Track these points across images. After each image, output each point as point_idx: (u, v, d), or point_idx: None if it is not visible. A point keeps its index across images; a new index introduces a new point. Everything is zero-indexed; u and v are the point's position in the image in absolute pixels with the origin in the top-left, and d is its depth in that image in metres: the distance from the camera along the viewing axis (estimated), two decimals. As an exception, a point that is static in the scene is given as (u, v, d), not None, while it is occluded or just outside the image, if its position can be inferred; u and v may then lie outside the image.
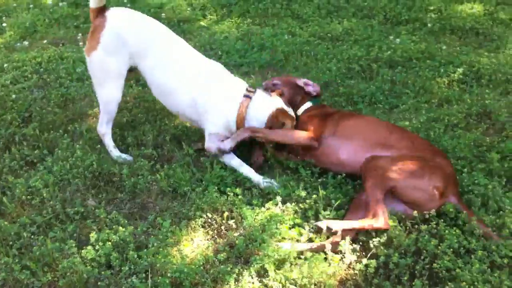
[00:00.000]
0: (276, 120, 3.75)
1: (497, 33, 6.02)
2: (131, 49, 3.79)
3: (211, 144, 3.81)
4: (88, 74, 5.10)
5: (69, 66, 5.36)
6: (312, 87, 4.13)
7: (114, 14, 3.80)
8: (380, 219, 3.07)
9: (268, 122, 3.75)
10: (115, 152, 3.93)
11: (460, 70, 5.09)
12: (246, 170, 3.72)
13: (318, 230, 3.11)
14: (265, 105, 3.79)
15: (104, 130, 3.92)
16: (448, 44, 5.85)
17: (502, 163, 3.71)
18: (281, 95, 3.99)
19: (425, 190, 3.19)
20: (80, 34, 6.34)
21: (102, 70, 3.81)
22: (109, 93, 3.87)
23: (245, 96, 3.78)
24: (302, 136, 3.71)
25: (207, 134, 3.86)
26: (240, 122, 3.77)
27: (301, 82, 4.14)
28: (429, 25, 6.23)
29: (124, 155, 3.92)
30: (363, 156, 3.49)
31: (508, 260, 2.91)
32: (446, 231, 3.04)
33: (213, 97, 3.78)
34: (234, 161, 3.77)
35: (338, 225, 3.08)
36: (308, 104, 4.07)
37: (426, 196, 3.19)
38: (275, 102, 3.83)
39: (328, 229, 3.06)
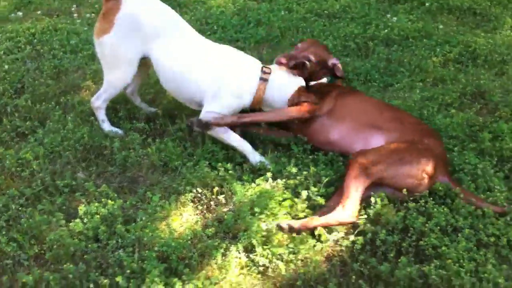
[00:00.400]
0: (297, 100, 3.69)
1: (495, 14, 5.98)
2: (145, 34, 3.66)
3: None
4: (82, 46, 5.13)
5: (63, 37, 5.32)
6: (340, 71, 3.90)
7: None
8: (347, 213, 3.01)
9: (289, 103, 3.71)
10: (106, 126, 3.91)
11: (456, 49, 5.06)
12: (239, 144, 3.66)
13: (280, 229, 3.03)
14: (284, 87, 3.71)
15: (99, 104, 3.88)
16: (445, 23, 5.80)
17: (494, 142, 3.71)
18: (303, 65, 3.77)
19: (414, 176, 3.18)
20: (74, 6, 6.30)
21: (114, 55, 3.69)
22: (117, 77, 3.79)
23: (261, 79, 3.67)
24: (293, 110, 3.67)
25: (205, 110, 3.69)
26: (257, 104, 3.71)
27: (331, 61, 3.88)
28: (427, 4, 6.18)
29: (115, 129, 3.90)
30: (353, 137, 3.48)
31: (494, 238, 2.92)
32: (434, 209, 3.05)
33: (227, 82, 3.65)
34: (233, 136, 3.67)
35: (302, 225, 3.02)
36: (323, 80, 4.02)
37: (416, 182, 3.18)
38: (294, 82, 3.73)
39: (290, 228, 3.01)
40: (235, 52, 3.84)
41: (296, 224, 3.00)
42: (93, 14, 6.06)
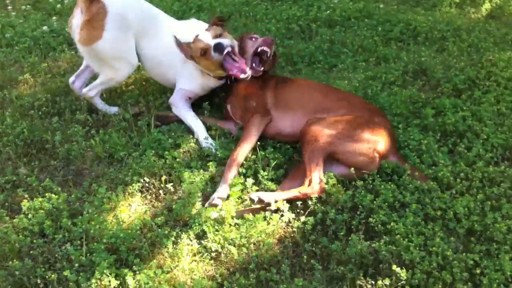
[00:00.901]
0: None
1: (434, -9, 6.09)
2: (132, 30, 3.74)
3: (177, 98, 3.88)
4: (18, 39, 4.95)
5: (-3, 31, 5.11)
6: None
7: None
8: (315, 186, 3.06)
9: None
10: (111, 109, 3.94)
11: (397, 28, 5.13)
12: (196, 125, 3.72)
13: (251, 201, 3.06)
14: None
15: (93, 94, 3.86)
16: (386, 2, 5.88)
17: (437, 118, 3.79)
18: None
19: (366, 154, 3.20)
20: (9, -1, 6.06)
21: (112, 55, 3.70)
22: (117, 73, 3.80)
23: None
24: (256, 122, 3.57)
25: (177, 88, 3.92)
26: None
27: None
28: (367, -16, 6.23)
29: (114, 108, 3.96)
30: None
31: (441, 212, 2.98)
32: (382, 186, 3.09)
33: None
34: (189, 114, 3.81)
35: (271, 197, 3.04)
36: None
37: (367, 160, 3.21)
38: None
39: (260, 200, 3.02)
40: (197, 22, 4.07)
41: (265, 197, 2.99)
42: (28, 6, 5.86)
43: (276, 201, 3.01)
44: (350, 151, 3.20)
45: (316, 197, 3.06)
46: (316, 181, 3.07)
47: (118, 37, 3.67)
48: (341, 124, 3.29)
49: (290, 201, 3.05)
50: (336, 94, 3.65)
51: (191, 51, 3.69)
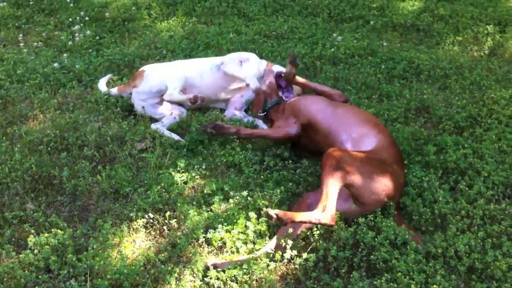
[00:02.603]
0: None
1: (437, 29, 6.19)
2: None
3: None
4: (28, 75, 5.07)
5: (9, 67, 5.23)
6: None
7: None
8: (328, 214, 3.01)
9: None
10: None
11: (400, 66, 5.21)
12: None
13: (268, 218, 3.04)
14: None
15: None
16: (390, 40, 5.98)
17: (438, 155, 3.83)
18: None
19: (378, 194, 3.20)
20: (21, 35, 6.20)
21: None
22: None
23: None
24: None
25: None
26: None
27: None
28: (371, 22, 6.36)
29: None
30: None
31: (442, 249, 3.00)
32: (383, 223, 3.11)
33: None
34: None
35: (287, 216, 3.02)
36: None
37: (378, 201, 3.20)
38: None
39: (278, 218, 3.01)
40: None
41: (283, 215, 2.98)
42: (40, 43, 5.99)
43: (292, 221, 3.00)
44: (367, 188, 3.18)
45: (323, 228, 3.09)
46: (330, 209, 3.02)
47: None
48: (367, 160, 3.28)
49: (294, 238, 3.08)
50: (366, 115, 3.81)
51: None
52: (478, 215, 3.25)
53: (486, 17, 6.38)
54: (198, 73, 4.60)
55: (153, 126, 4.27)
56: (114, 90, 4.71)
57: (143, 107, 4.47)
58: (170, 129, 4.28)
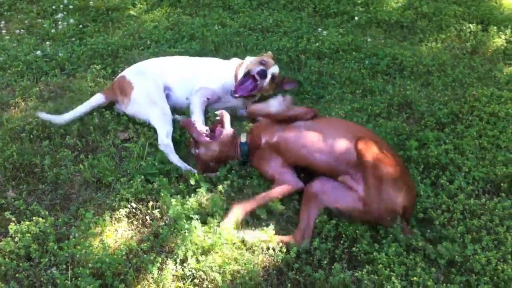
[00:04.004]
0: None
1: (421, 27, 6.22)
2: None
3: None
4: (10, 63, 5.01)
5: (-10, 55, 5.17)
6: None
7: None
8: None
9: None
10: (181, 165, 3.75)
11: (384, 62, 5.24)
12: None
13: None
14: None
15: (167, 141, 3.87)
16: (374, 36, 6.00)
17: (420, 151, 3.86)
18: None
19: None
20: (3, 22, 6.12)
21: None
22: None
23: None
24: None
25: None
26: None
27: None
28: (356, 18, 6.36)
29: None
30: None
31: (422, 243, 3.03)
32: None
33: None
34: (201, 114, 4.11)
35: (253, 237, 3.07)
36: None
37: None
38: None
39: (244, 241, 3.06)
40: None
41: (249, 237, 3.07)
42: (22, 30, 5.92)
43: None
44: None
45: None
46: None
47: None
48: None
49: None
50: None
51: None
52: (459, 210, 3.30)
53: (469, 16, 6.43)
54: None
55: (163, 148, 3.82)
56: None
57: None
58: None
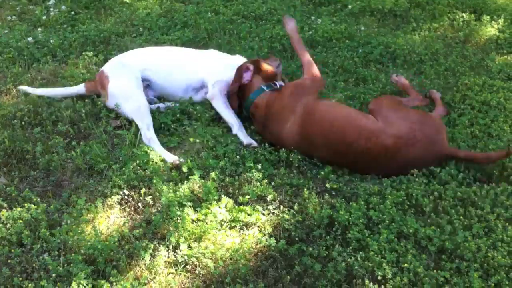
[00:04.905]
0: None
1: (414, 16, 6.22)
2: None
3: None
4: (1, 49, 4.98)
5: (-20, 40, 5.13)
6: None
7: None
8: None
9: None
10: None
11: (377, 50, 5.24)
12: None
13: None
14: None
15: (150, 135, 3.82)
16: (367, 25, 6.00)
17: (412, 139, 3.87)
18: None
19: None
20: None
21: None
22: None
23: None
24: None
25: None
26: None
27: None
28: (349, 6, 6.34)
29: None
30: None
31: (413, 230, 3.05)
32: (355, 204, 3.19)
33: None
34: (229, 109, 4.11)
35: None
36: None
37: None
38: None
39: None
40: None
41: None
42: (13, 17, 5.87)
43: None
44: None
45: (294, 212, 3.13)
46: None
47: None
48: None
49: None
50: None
51: None
52: (450, 197, 3.31)
53: (462, 5, 6.43)
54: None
55: (146, 141, 3.79)
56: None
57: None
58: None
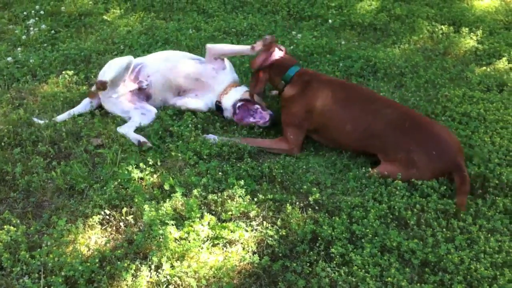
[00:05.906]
0: None
1: (394, 29, 6.29)
2: None
3: None
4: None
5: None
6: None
7: None
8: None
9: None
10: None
11: (358, 64, 5.27)
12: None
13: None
14: None
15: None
16: (348, 39, 6.04)
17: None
18: None
19: None
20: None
21: None
22: None
23: None
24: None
25: None
26: None
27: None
28: (330, 21, 6.41)
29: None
30: None
31: (396, 243, 3.05)
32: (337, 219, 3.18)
33: None
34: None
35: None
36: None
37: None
38: None
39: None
40: None
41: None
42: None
43: None
44: None
45: (277, 228, 3.12)
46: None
47: None
48: None
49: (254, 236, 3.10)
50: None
51: None
52: (432, 209, 3.32)
53: (441, 17, 6.53)
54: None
55: (120, 130, 4.07)
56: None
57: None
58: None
